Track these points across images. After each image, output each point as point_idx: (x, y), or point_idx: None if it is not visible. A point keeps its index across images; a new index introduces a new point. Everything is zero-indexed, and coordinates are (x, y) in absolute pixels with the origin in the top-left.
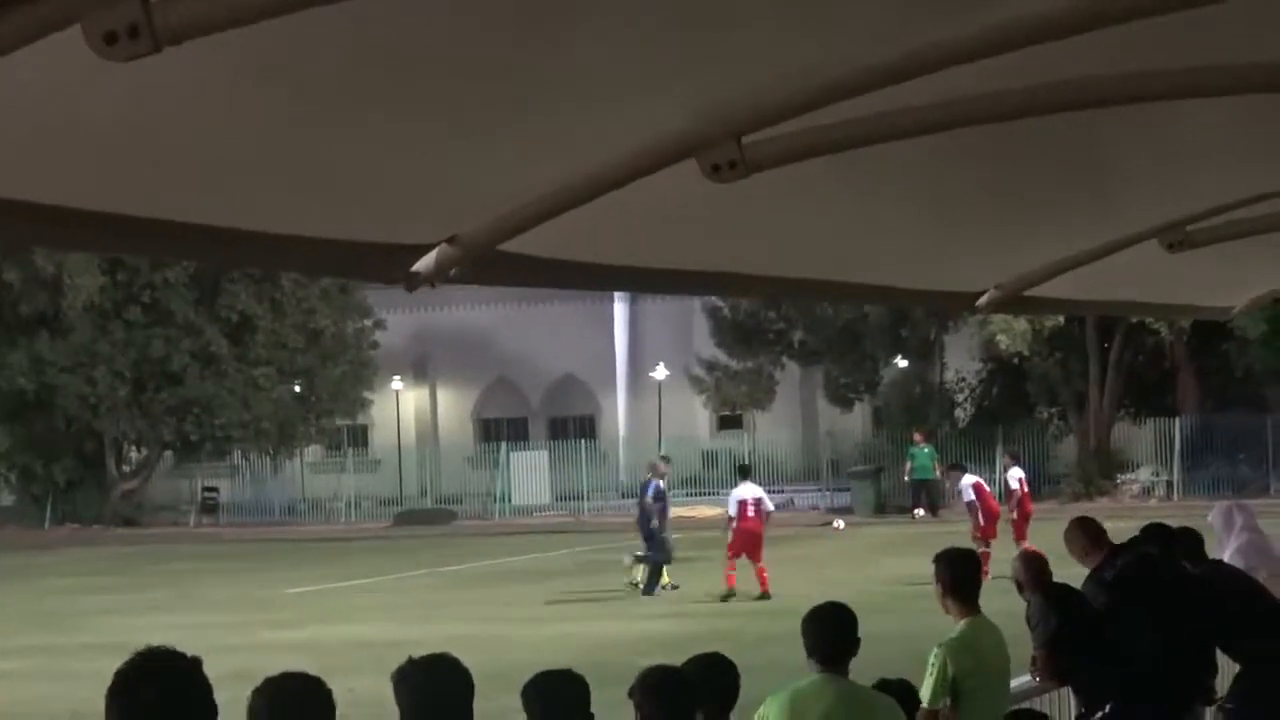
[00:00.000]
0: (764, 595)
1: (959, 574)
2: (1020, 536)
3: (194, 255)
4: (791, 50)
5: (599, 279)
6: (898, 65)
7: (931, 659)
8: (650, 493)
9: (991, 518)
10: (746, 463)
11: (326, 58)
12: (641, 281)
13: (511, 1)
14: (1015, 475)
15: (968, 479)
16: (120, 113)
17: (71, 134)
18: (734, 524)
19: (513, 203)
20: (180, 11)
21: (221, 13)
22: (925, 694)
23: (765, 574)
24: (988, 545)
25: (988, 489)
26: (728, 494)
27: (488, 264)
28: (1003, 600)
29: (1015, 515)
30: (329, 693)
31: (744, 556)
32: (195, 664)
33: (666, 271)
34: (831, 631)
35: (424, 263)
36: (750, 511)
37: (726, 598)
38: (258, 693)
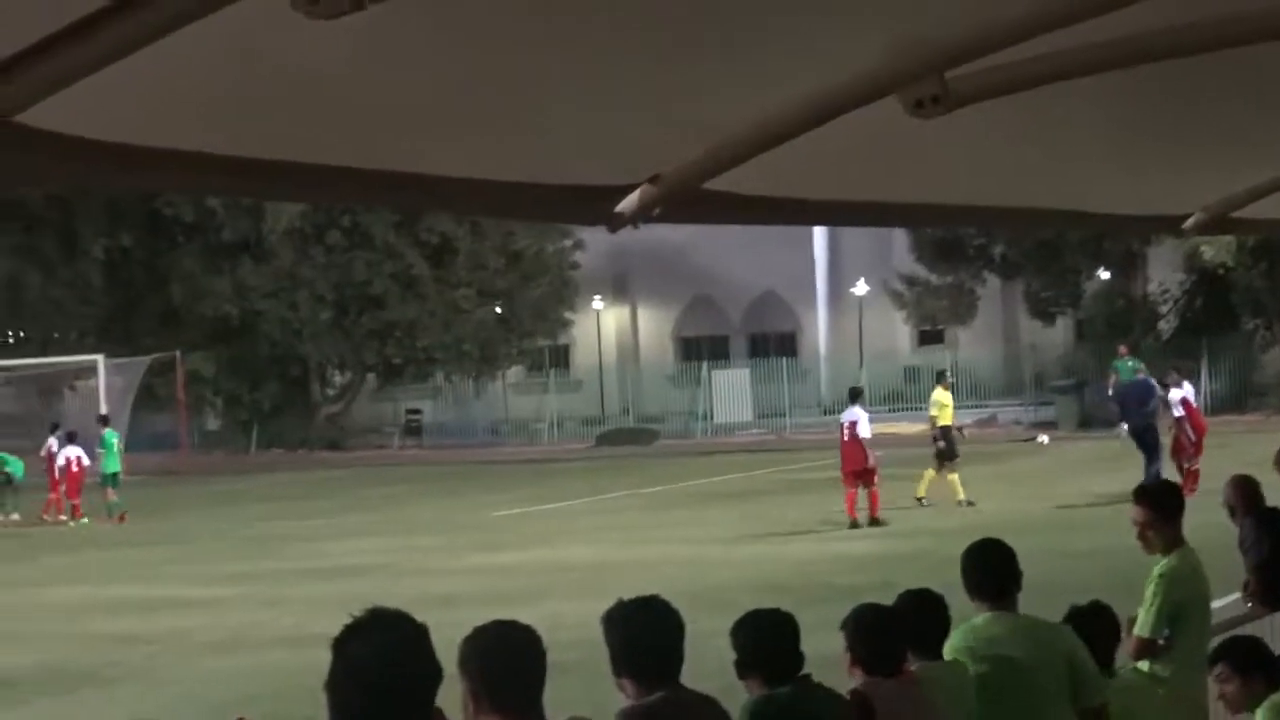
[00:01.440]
0: (871, 520)
1: (1165, 508)
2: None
3: (399, 203)
4: None
5: (801, 214)
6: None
7: (1150, 590)
8: None
9: (1200, 432)
10: (857, 385)
11: (524, 6)
12: (845, 215)
13: None
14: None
15: (1176, 393)
16: (321, 69)
17: (276, 90)
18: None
19: (714, 141)
20: None
21: None
22: (1145, 624)
23: (874, 504)
24: (1195, 461)
25: (1194, 404)
26: (928, 410)
27: (690, 202)
28: (1203, 516)
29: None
30: (539, 639)
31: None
32: (422, 631)
33: (870, 204)
34: (992, 569)
35: (627, 203)
36: (845, 435)
37: (853, 525)
38: (467, 642)
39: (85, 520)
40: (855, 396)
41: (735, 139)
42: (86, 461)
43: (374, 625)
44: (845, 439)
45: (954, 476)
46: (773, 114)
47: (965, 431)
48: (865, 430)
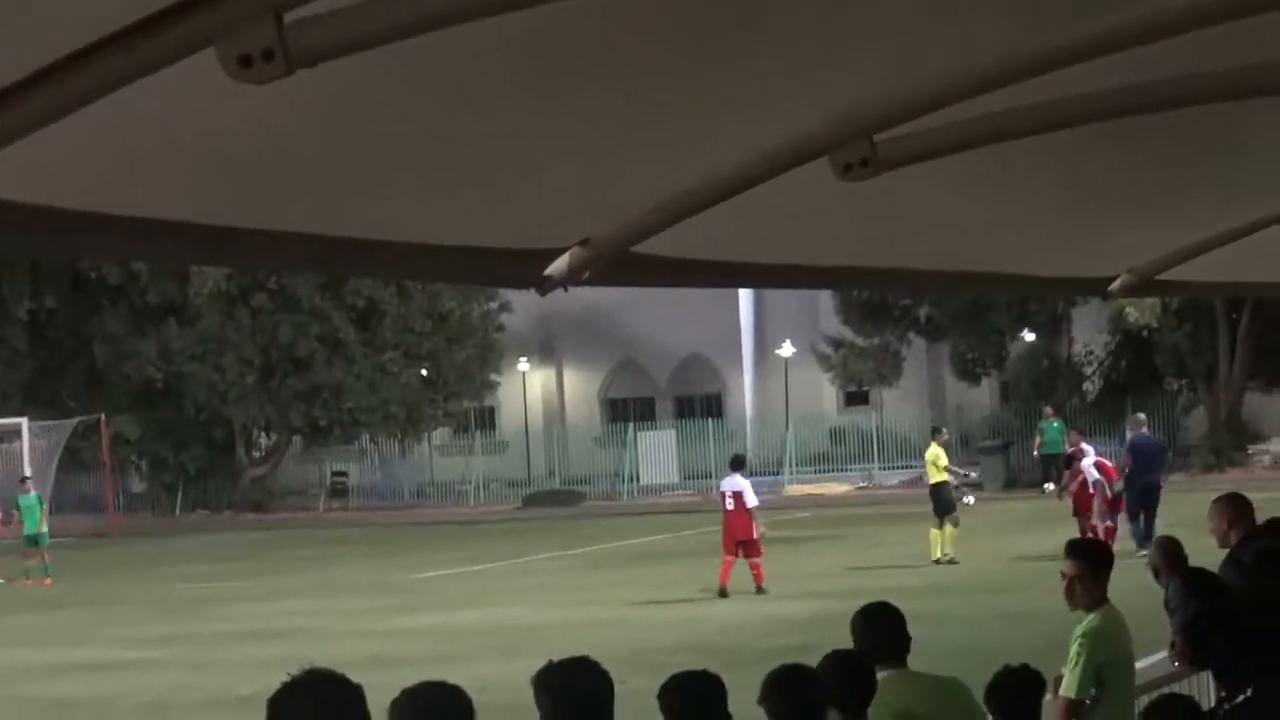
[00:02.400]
0: (757, 589)
1: (1096, 565)
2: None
3: (325, 266)
4: (921, 50)
5: (731, 277)
6: (1025, 63)
7: (1074, 649)
8: None
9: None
10: (740, 453)
11: (455, 71)
12: (773, 278)
13: (644, 10)
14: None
15: (1089, 459)
16: (250, 131)
17: (204, 153)
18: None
19: (645, 204)
20: (314, 35)
21: (354, 36)
22: (1070, 685)
23: (759, 568)
24: (1112, 520)
25: (1109, 464)
26: (854, 470)
27: (620, 265)
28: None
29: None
30: (469, 702)
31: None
32: (358, 692)
33: (798, 267)
34: (888, 631)
35: (556, 266)
36: (730, 504)
37: (721, 594)
38: (396, 705)
39: None
40: (738, 465)
41: (665, 202)
42: None
43: (310, 684)
44: (729, 508)
45: (938, 533)
46: (702, 178)
47: (968, 499)
48: (752, 499)
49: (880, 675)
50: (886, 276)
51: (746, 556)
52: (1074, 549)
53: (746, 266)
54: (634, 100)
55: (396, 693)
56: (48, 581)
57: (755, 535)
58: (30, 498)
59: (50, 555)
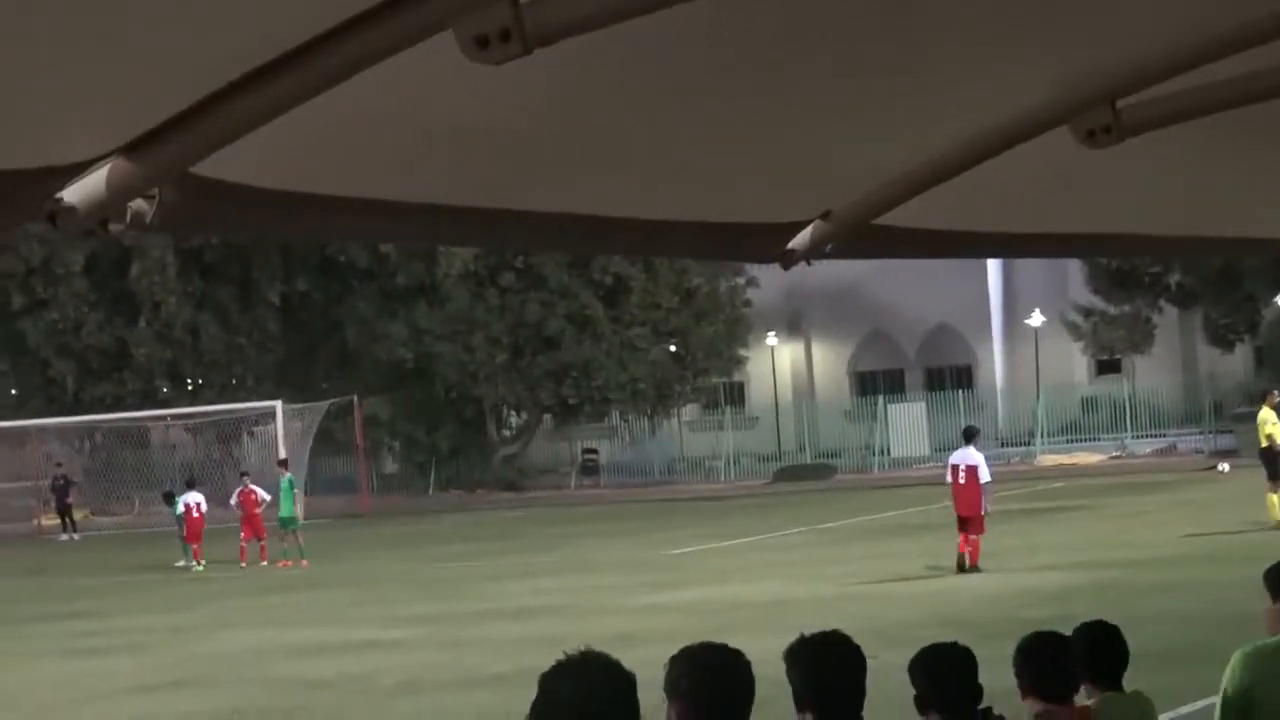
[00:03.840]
0: (969, 567)
1: None
2: None
3: (571, 246)
4: (1165, 10)
5: (974, 247)
6: (1271, 24)
7: None
8: None
9: None
10: (974, 425)
11: (690, 48)
12: (1017, 247)
13: None
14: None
15: None
16: (491, 112)
17: (445, 135)
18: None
19: (885, 176)
20: (551, 13)
21: (590, 14)
22: None
23: (973, 552)
24: None
25: None
26: (1106, 440)
27: (862, 238)
28: None
29: None
30: (749, 664)
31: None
32: (630, 679)
33: (1043, 235)
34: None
35: (799, 240)
36: (961, 478)
37: (959, 568)
38: (682, 661)
39: (201, 566)
40: (971, 436)
41: (906, 174)
42: (205, 508)
43: (585, 666)
44: (960, 482)
45: (1275, 498)
46: (943, 148)
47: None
48: (985, 474)
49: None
50: (1133, 243)
51: (968, 533)
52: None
53: (989, 236)
54: (871, 72)
55: (649, 669)
56: (305, 563)
57: (982, 511)
58: (284, 481)
59: (305, 536)
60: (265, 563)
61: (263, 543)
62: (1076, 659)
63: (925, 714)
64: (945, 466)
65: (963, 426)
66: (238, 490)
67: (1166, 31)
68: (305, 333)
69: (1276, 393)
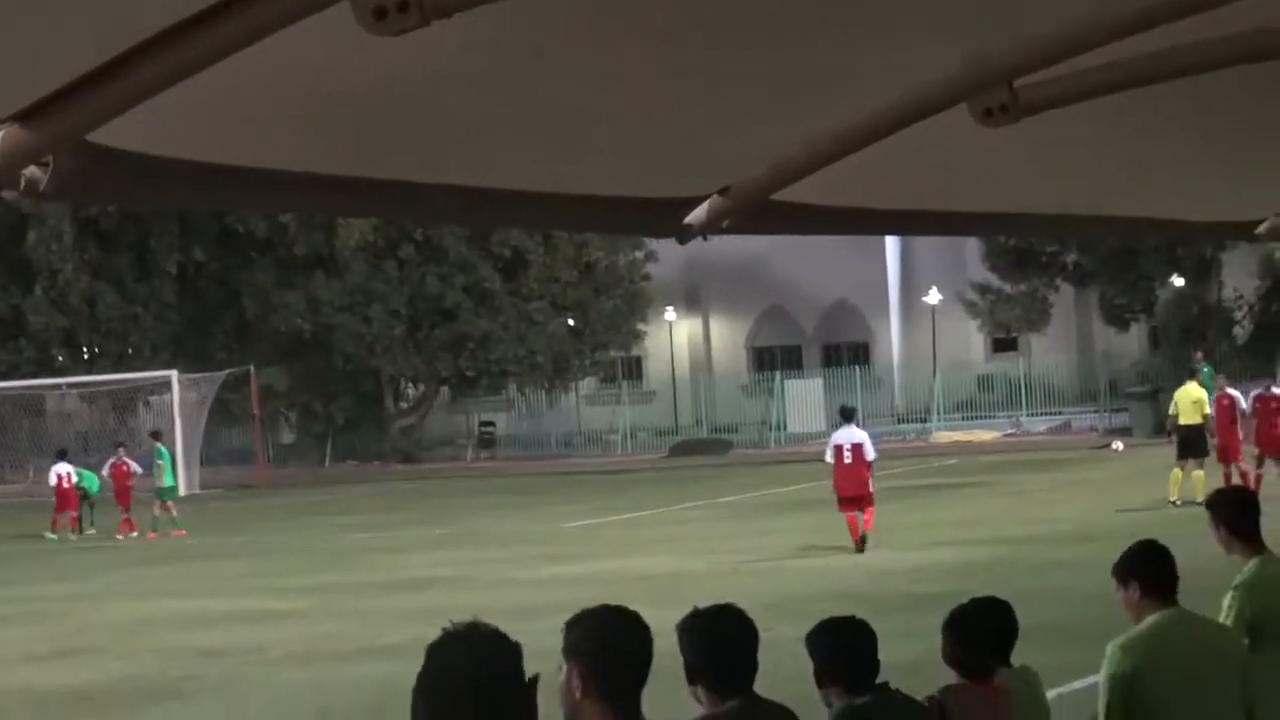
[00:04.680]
0: (857, 546)
1: (1238, 514)
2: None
3: (469, 218)
4: None
5: (871, 224)
6: (1167, 6)
7: (1226, 603)
8: None
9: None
10: (850, 405)
11: (591, 20)
12: (914, 224)
13: None
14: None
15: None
16: (390, 83)
17: (344, 106)
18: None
19: (782, 152)
20: None
21: None
22: None
23: (869, 523)
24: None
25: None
26: (1002, 417)
27: (759, 213)
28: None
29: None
30: (648, 628)
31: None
32: (516, 649)
33: (939, 213)
34: (1167, 566)
35: (696, 215)
36: (848, 457)
37: (859, 548)
38: (581, 624)
39: (54, 536)
40: (850, 415)
41: (804, 150)
42: (75, 479)
43: (472, 636)
44: (847, 461)
45: (1178, 472)
46: (841, 125)
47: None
48: (872, 452)
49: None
50: (1030, 222)
51: (861, 510)
52: (1211, 503)
53: (886, 214)
54: (772, 47)
55: (546, 640)
56: (183, 533)
57: (870, 490)
58: (161, 451)
59: (201, 506)
60: (134, 534)
61: (125, 515)
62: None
63: (824, 688)
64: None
65: (863, 402)
66: (110, 462)
67: (1063, 12)
68: (202, 302)
69: (1199, 356)
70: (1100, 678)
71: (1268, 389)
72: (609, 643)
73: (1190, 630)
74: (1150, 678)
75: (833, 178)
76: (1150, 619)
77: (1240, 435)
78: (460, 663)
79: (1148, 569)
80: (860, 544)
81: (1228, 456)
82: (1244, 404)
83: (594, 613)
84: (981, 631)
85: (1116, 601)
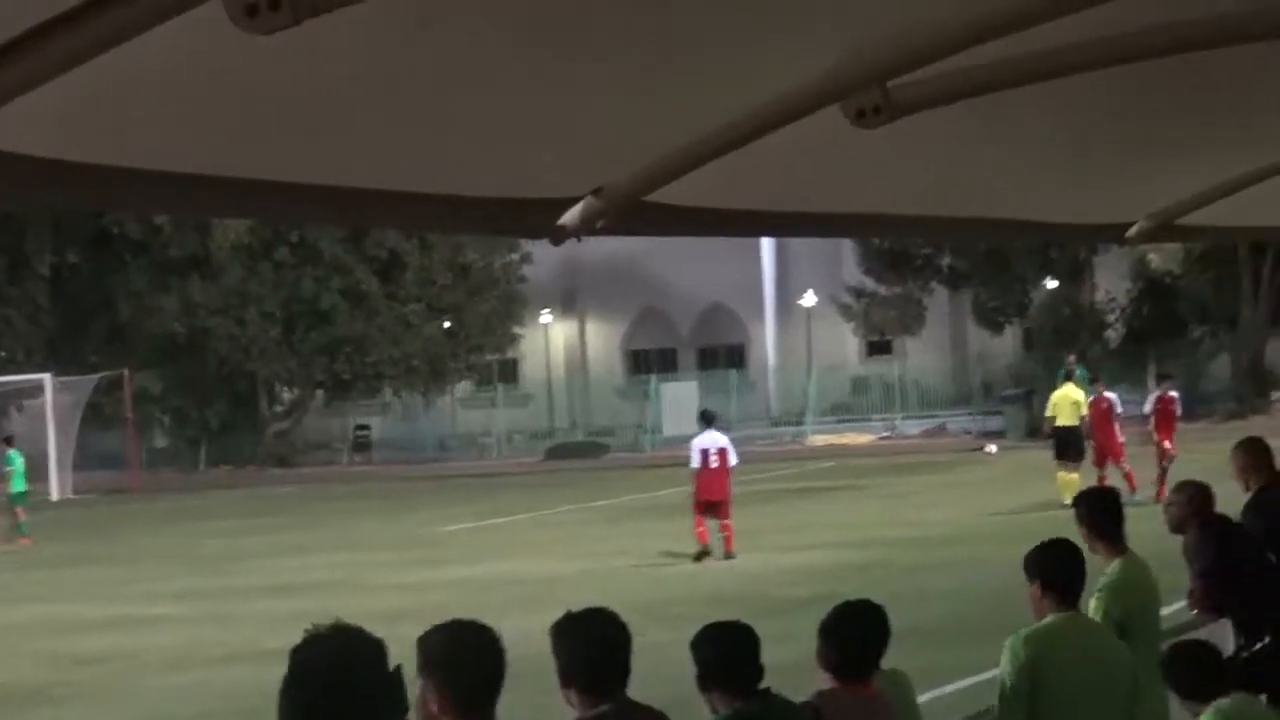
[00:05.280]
0: (728, 554)
1: (1102, 515)
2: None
3: (343, 218)
4: None
5: (746, 226)
6: (1039, 8)
7: (1093, 604)
8: None
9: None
10: (710, 409)
11: (466, 19)
12: (789, 226)
13: None
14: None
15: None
16: (263, 83)
17: (217, 105)
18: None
19: (656, 153)
20: None
21: None
22: None
23: (730, 532)
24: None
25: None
26: (876, 420)
27: (633, 215)
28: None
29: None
30: (499, 640)
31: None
32: (379, 645)
33: (815, 215)
34: (1067, 567)
35: (569, 216)
36: (713, 462)
37: (699, 556)
38: (432, 638)
39: None
40: (711, 420)
41: (678, 151)
42: None
43: (333, 637)
44: (713, 466)
45: (1064, 474)
46: (715, 125)
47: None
48: (734, 456)
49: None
50: (903, 224)
51: (718, 518)
52: (1077, 502)
53: (761, 215)
54: (644, 47)
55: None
56: (27, 541)
57: (730, 495)
58: (12, 456)
59: (74, 511)
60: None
61: None
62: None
63: (707, 692)
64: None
65: (738, 405)
66: None
67: (937, 13)
68: (76, 305)
69: (1072, 359)
70: (1001, 670)
71: (1166, 390)
72: (461, 657)
73: (1084, 636)
74: (1049, 673)
75: (708, 179)
76: (1048, 618)
77: (1121, 438)
78: (320, 660)
79: (1046, 567)
80: (700, 556)
81: (1105, 459)
82: (1120, 407)
83: (445, 628)
84: (856, 635)
85: (1030, 595)
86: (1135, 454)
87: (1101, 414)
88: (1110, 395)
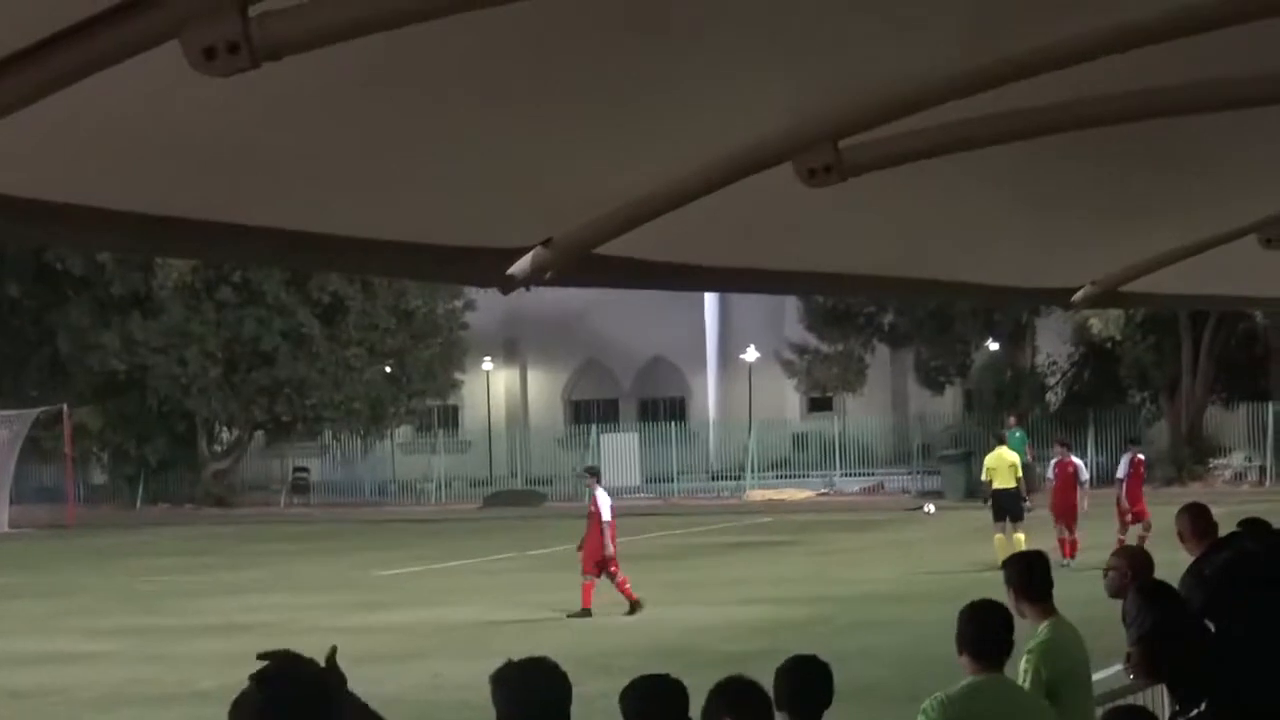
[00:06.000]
0: (583, 612)
1: (1028, 577)
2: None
3: (287, 260)
4: (887, 56)
5: (693, 280)
6: (991, 70)
7: (1023, 665)
8: None
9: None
10: (594, 464)
11: (418, 69)
12: (736, 282)
13: (608, 11)
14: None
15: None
16: (215, 124)
17: (168, 145)
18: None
19: (608, 206)
20: (280, 29)
21: (319, 30)
22: None
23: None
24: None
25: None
26: (815, 476)
27: (583, 266)
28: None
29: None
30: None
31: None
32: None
33: (761, 272)
34: (988, 629)
35: (519, 266)
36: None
37: (581, 614)
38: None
39: None
40: (598, 474)
41: (628, 204)
42: None
43: (280, 672)
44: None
45: (1001, 536)
46: (666, 180)
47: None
48: (607, 513)
49: (971, 679)
50: (849, 283)
51: (610, 574)
52: (1005, 564)
53: (709, 270)
54: (597, 101)
55: (356, 688)
56: None
57: (611, 553)
58: None
59: (9, 546)
60: None
61: None
62: (786, 693)
63: None
64: (656, 497)
65: (678, 458)
66: None
67: (889, 74)
68: (16, 339)
69: (1012, 420)
70: None
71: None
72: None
73: (1004, 699)
74: None
75: (657, 232)
76: (967, 680)
77: (1084, 505)
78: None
79: (965, 629)
80: (582, 613)
81: (1061, 520)
82: (1085, 474)
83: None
84: (805, 690)
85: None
86: (1096, 516)
87: (1067, 478)
88: (1076, 460)
